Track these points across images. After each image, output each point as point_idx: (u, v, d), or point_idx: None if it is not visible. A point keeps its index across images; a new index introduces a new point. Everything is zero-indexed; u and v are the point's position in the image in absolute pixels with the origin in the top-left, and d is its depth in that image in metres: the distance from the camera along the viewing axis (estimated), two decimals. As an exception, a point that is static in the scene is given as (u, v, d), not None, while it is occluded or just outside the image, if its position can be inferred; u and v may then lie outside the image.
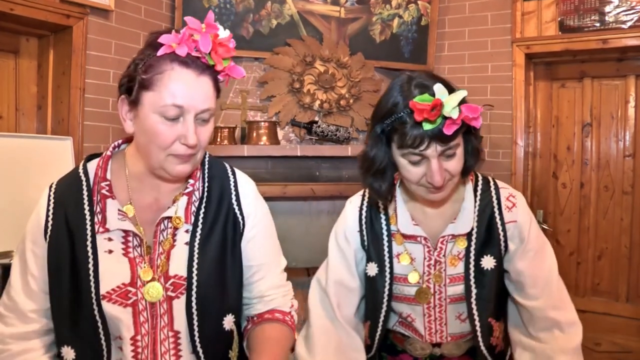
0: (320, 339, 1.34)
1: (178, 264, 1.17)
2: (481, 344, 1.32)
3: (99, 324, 1.12)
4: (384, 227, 1.39)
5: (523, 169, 3.29)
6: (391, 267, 1.35)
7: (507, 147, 3.29)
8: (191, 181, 1.24)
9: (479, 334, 1.31)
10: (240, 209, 1.27)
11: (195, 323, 1.15)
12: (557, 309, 1.29)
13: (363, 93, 3.28)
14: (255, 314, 1.30)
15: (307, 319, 1.43)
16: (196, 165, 1.20)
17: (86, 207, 1.16)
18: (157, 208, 1.21)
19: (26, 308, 1.16)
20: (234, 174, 1.32)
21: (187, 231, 1.20)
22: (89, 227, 1.15)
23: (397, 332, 1.43)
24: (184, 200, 1.21)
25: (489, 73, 3.33)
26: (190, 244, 1.18)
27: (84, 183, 1.19)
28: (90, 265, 1.12)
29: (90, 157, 1.26)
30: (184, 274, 1.16)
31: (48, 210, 1.18)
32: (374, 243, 1.38)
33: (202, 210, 1.22)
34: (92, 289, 1.11)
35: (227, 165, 1.34)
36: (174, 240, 1.18)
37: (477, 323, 1.31)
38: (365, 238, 1.40)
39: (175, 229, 1.19)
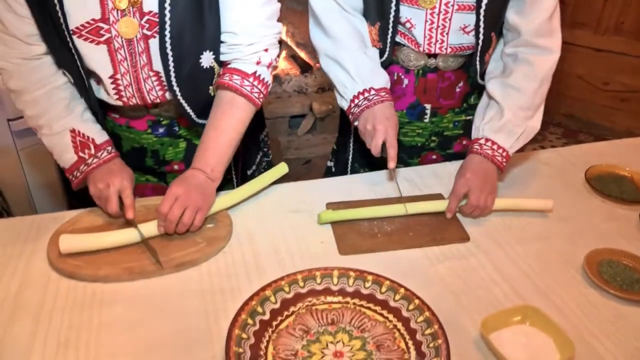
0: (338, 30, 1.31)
1: None
2: (478, 58, 1.29)
3: (76, 57, 1.10)
4: None
5: None
6: None
7: None
8: None
9: (479, 47, 1.27)
10: None
11: (171, 63, 1.12)
12: (543, 37, 1.24)
13: None
14: (223, 60, 1.20)
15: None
16: None
17: None
18: None
19: (20, 34, 1.10)
20: None
21: None
22: None
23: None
24: None
25: None
26: None
27: None
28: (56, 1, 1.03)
29: None
30: (157, 10, 1.07)
31: None
32: None
33: None
34: (62, 23, 1.05)
35: None
36: None
37: (482, 36, 1.26)
38: None
39: None
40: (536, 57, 1.23)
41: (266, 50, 1.17)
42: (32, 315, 0.92)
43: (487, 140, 1.23)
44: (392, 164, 1.20)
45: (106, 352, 0.86)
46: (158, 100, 1.19)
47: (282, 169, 1.25)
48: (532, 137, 1.25)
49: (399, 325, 0.88)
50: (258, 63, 1.17)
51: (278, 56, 1.22)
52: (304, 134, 3.37)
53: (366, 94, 1.27)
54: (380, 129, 1.21)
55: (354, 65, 1.28)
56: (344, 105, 1.32)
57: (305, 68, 3.47)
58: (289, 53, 3.55)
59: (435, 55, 1.32)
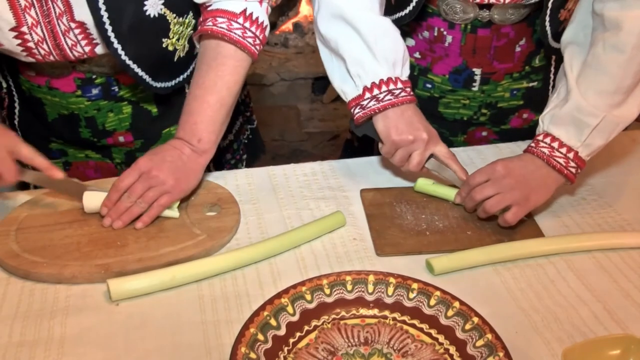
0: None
1: None
2: (549, 12, 1.11)
3: None
4: None
5: None
6: None
7: None
8: None
9: (549, 2, 1.10)
10: None
11: (104, 13, 0.94)
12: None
13: None
14: (199, 3, 1.05)
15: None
16: None
17: None
18: None
19: None
20: None
21: None
22: None
23: None
24: None
25: None
26: None
27: None
28: None
29: None
30: None
31: None
32: None
33: None
34: None
35: None
36: None
37: None
38: None
39: None
40: (626, 14, 0.96)
41: None
42: (-34, 327, 0.80)
43: (546, 135, 1.01)
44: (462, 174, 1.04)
45: (70, 375, 0.74)
46: (85, 57, 1.01)
47: (338, 218, 1.02)
48: (623, 129, 1.03)
49: (452, 349, 0.78)
50: None
51: None
52: (331, 101, 3.16)
53: (391, 86, 1.05)
54: (424, 138, 1.03)
55: (372, 35, 1.05)
56: (351, 91, 1.08)
57: (335, 15, 3.32)
58: (316, -5, 3.40)
59: (489, 6, 1.13)
